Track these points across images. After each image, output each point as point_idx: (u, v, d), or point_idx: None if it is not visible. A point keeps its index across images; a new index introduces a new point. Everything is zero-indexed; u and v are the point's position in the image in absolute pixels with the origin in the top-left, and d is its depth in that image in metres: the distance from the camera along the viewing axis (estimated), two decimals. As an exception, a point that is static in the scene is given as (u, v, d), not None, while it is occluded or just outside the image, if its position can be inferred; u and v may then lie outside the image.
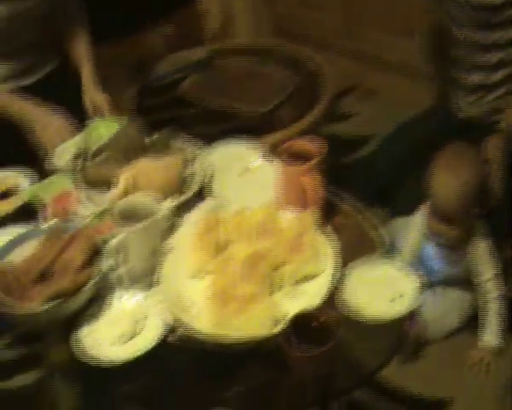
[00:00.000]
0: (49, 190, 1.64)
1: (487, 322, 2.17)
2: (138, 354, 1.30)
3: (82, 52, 2.21)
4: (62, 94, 2.13)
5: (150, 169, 1.60)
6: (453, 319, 2.26)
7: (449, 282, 2.26)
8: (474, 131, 2.40)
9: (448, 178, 2.06)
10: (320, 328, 1.26)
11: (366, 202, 1.64)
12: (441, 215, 2.09)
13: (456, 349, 2.23)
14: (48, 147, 1.88)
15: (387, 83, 3.28)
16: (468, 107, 2.45)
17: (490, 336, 2.16)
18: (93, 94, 2.13)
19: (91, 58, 2.21)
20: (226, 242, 1.45)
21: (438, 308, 2.24)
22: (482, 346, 2.17)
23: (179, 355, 1.35)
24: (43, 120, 1.98)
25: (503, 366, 2.17)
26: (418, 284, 1.37)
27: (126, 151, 1.67)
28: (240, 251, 1.42)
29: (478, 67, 2.36)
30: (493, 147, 2.22)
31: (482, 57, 2.33)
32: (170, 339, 1.33)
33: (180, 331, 1.33)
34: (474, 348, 2.18)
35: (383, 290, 1.38)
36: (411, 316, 1.38)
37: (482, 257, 2.16)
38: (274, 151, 1.62)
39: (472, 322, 2.25)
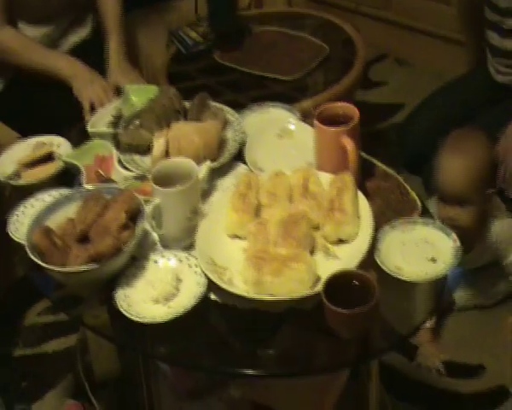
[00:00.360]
0: (88, 155, 1.66)
1: None
2: (175, 315, 1.31)
3: (110, 22, 2.22)
4: (97, 60, 2.15)
5: (187, 133, 1.61)
6: (486, 296, 2.24)
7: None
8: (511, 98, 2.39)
9: (455, 159, 2.00)
10: (359, 288, 1.27)
11: (400, 168, 1.64)
12: (451, 198, 2.02)
13: (489, 321, 2.23)
14: (94, 105, 1.90)
15: (420, 50, 3.26)
16: (504, 72, 2.43)
17: None
18: (116, 75, 2.14)
19: (119, 30, 2.22)
20: (264, 204, 1.46)
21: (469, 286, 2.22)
22: None
23: (217, 316, 1.37)
24: (88, 77, 1.99)
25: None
26: (456, 245, 1.38)
27: (162, 116, 1.69)
28: (278, 213, 1.43)
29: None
30: None
31: None
32: (207, 299, 1.34)
33: (217, 292, 1.34)
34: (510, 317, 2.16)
35: (421, 251, 1.39)
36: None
37: (503, 238, 2.10)
38: (309, 114, 1.63)
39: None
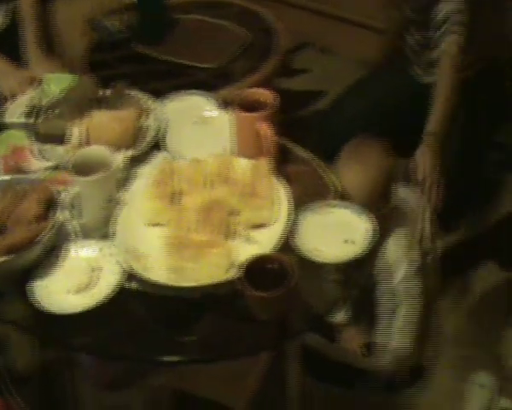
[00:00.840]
0: (3, 145, 1.63)
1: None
2: (94, 304, 1.30)
3: (27, 10, 2.18)
4: (15, 50, 2.11)
5: (105, 121, 1.60)
6: None
7: None
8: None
9: (351, 171, 1.78)
10: (275, 272, 1.29)
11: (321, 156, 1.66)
12: None
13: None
14: (8, 97, 1.87)
15: (343, 39, 3.29)
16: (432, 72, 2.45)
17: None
18: (35, 65, 2.10)
19: (37, 18, 2.18)
20: (181, 191, 1.46)
21: None
22: None
23: (137, 303, 1.36)
24: (4, 70, 1.96)
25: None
26: (371, 227, 1.40)
27: (80, 106, 1.67)
28: (195, 200, 1.43)
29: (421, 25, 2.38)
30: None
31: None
32: (127, 287, 1.34)
33: (136, 280, 1.34)
34: None
35: (338, 233, 1.41)
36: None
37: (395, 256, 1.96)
38: (228, 102, 1.63)
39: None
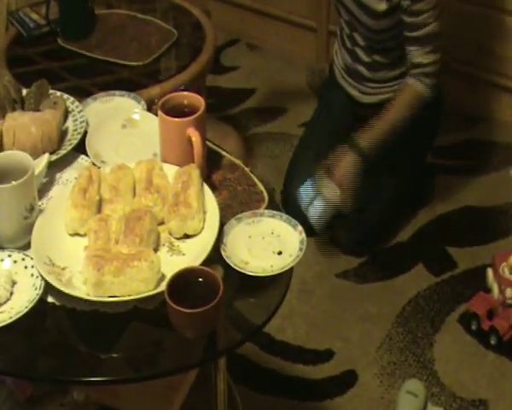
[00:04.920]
0: None
1: None
2: (9, 321, 1.23)
3: None
4: None
5: (23, 124, 1.51)
6: None
7: None
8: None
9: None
10: (204, 285, 1.24)
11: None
12: None
13: (338, 307, 2.26)
14: None
15: (272, 35, 3.26)
16: (372, 92, 2.44)
17: None
18: None
19: None
20: (106, 198, 1.40)
21: None
22: None
23: (56, 319, 1.29)
24: None
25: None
26: (302, 236, 1.37)
27: (-1, 106, 1.58)
28: (120, 208, 1.37)
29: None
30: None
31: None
32: (45, 302, 1.27)
33: (54, 294, 1.27)
34: None
35: (267, 244, 1.37)
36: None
37: None
38: (155, 103, 1.57)
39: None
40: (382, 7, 2.20)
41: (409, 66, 2.24)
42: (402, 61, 2.30)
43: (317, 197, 2.22)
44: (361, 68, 2.39)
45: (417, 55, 2.20)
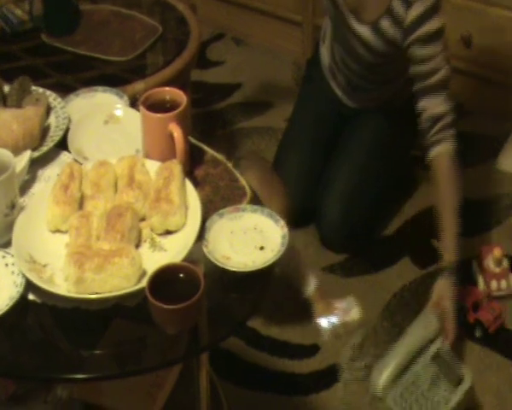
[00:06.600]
0: None
1: None
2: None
3: None
4: None
5: (5, 120, 1.50)
6: None
7: None
8: None
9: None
10: (185, 281, 1.24)
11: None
12: None
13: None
14: None
15: (257, 30, 3.26)
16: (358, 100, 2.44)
17: None
18: None
19: None
20: (87, 195, 1.39)
21: None
22: None
23: (36, 316, 1.29)
24: None
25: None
26: (284, 231, 1.37)
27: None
28: (101, 205, 1.37)
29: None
30: None
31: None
32: (26, 299, 1.27)
33: (35, 292, 1.27)
34: None
35: (250, 239, 1.37)
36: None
37: None
38: (138, 99, 1.57)
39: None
40: (381, 48, 2.13)
41: (425, 126, 2.06)
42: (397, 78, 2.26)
43: None
44: (350, 75, 2.36)
45: (432, 106, 2.04)
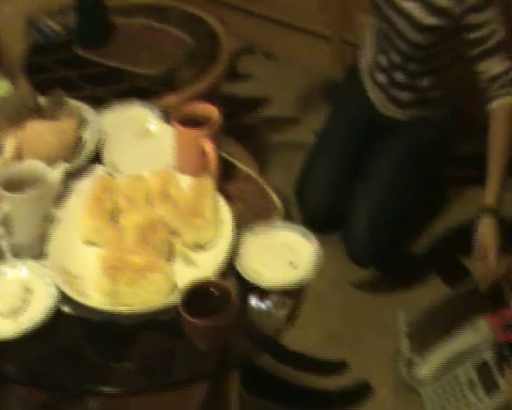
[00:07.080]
0: None
1: None
2: (25, 330, 1.24)
3: None
4: None
5: (40, 133, 1.52)
6: None
7: None
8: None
9: None
10: (217, 297, 1.24)
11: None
12: None
13: (352, 317, 2.26)
14: None
15: (287, 44, 3.27)
16: (391, 108, 2.43)
17: None
18: None
19: None
20: (121, 208, 1.40)
21: None
22: None
23: (71, 329, 1.30)
24: None
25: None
26: (316, 249, 1.37)
27: (14, 115, 1.59)
28: (133, 219, 1.38)
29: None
30: None
31: None
32: (62, 311, 1.28)
33: (69, 303, 1.28)
34: None
35: (281, 256, 1.37)
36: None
37: None
38: (170, 114, 1.58)
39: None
40: (431, 21, 2.12)
41: (485, 86, 2.08)
42: (444, 82, 2.26)
43: None
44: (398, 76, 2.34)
45: (491, 66, 2.06)
